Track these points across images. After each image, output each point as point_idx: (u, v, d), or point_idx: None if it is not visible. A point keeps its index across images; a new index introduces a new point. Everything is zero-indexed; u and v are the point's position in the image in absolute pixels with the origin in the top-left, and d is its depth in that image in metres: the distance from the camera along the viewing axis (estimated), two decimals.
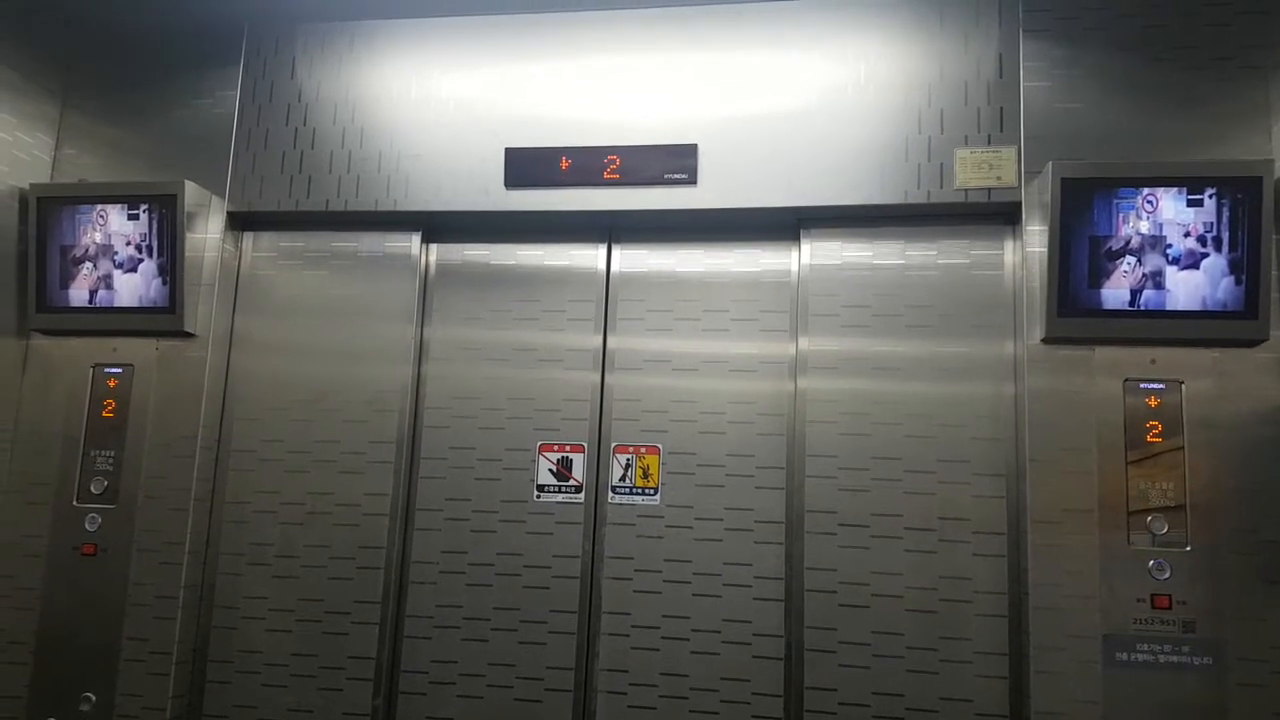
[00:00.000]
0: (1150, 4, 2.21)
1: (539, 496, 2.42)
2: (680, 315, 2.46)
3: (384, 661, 2.38)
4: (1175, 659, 1.98)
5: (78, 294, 2.50)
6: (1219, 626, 1.98)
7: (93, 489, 2.45)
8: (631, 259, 2.52)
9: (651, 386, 2.43)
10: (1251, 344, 2.05)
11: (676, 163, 2.37)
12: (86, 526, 2.43)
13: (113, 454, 2.46)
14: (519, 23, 2.52)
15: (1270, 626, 1.96)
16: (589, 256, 2.53)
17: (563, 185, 2.41)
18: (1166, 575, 2.01)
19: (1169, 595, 2.00)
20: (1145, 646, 2.00)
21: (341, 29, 2.60)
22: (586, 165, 2.40)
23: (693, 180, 2.36)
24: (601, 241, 2.53)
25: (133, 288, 2.47)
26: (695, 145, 2.37)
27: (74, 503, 2.45)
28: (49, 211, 2.50)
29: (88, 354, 2.52)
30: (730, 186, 2.36)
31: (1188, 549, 2.02)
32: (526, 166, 2.43)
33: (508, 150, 2.45)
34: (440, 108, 2.51)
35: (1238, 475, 2.03)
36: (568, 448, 2.43)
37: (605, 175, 2.39)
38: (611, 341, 2.47)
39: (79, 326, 2.51)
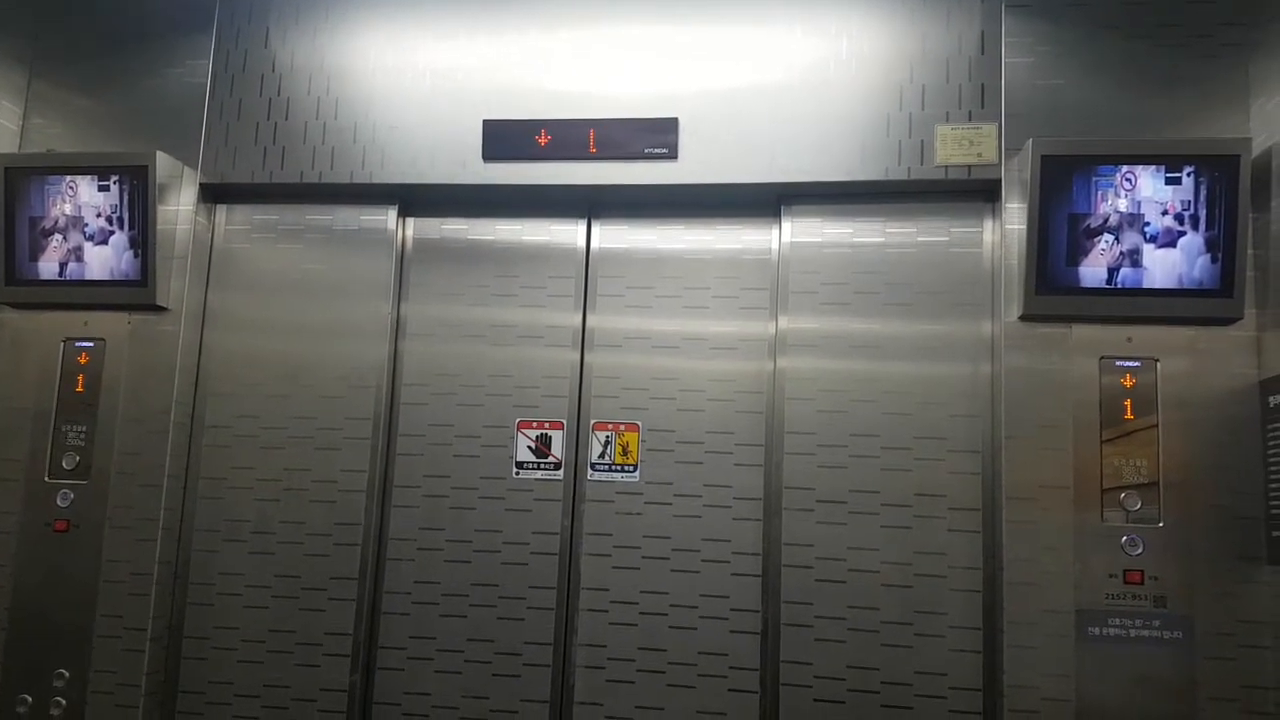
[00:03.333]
0: None
1: (518, 473, 2.41)
2: (660, 293, 2.45)
3: (361, 638, 2.37)
4: (1146, 633, 2.01)
5: (47, 266, 2.45)
6: (1190, 601, 2.00)
7: (64, 465, 2.41)
8: (612, 235, 2.50)
9: (631, 364, 2.42)
10: (1227, 322, 2.07)
11: (657, 137, 2.35)
12: (58, 503, 2.39)
13: (85, 429, 2.42)
14: None
15: (1240, 602, 1.99)
16: (569, 232, 2.51)
17: (542, 159, 2.38)
18: (1139, 551, 2.03)
19: (1141, 571, 2.03)
20: (1117, 621, 2.02)
21: None
22: (566, 138, 2.37)
23: (673, 155, 2.34)
24: (581, 217, 2.51)
25: (103, 260, 2.42)
26: (676, 120, 2.35)
27: (45, 479, 2.42)
28: (17, 182, 2.44)
29: (58, 328, 2.48)
30: (711, 162, 2.34)
31: (1160, 525, 2.04)
32: (505, 139, 2.40)
33: (486, 123, 2.41)
34: (417, 79, 2.47)
35: (1211, 452, 2.05)
36: (547, 425, 2.42)
37: (585, 149, 2.37)
38: (591, 319, 2.46)
39: (49, 300, 2.47)
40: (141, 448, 2.40)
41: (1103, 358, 2.11)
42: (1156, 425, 2.08)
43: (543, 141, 2.38)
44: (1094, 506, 2.07)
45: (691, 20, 2.39)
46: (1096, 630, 2.02)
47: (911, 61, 2.29)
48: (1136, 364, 2.10)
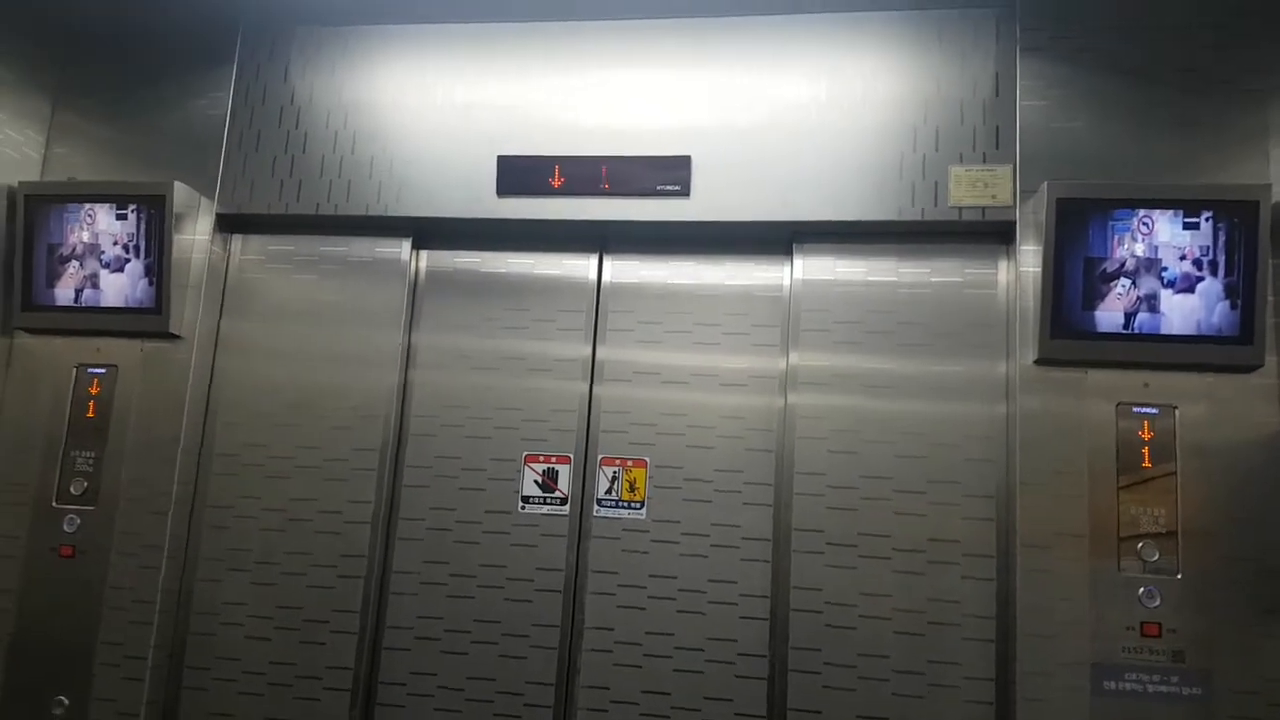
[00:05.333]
0: (1149, 25, 2.19)
1: (523, 508, 2.39)
2: (671, 328, 2.44)
3: (362, 672, 2.35)
4: (1164, 689, 1.95)
5: (63, 293, 2.48)
6: (1209, 656, 1.95)
7: (73, 490, 2.42)
8: (623, 270, 2.50)
9: (640, 398, 2.41)
10: (1247, 370, 2.03)
11: (670, 174, 2.35)
12: (65, 528, 2.40)
13: (94, 455, 2.43)
14: (515, 31, 2.51)
15: (1262, 658, 1.93)
16: (580, 266, 2.51)
17: (555, 194, 2.39)
18: (1157, 603, 1.98)
19: (1159, 623, 1.97)
20: (1134, 675, 1.96)
21: (336, 33, 2.59)
22: (579, 174, 2.38)
23: (685, 192, 2.34)
24: (593, 251, 2.51)
25: (119, 288, 2.45)
26: (689, 157, 2.35)
27: (53, 504, 2.42)
28: (37, 210, 2.48)
29: (72, 354, 2.50)
30: (723, 199, 2.34)
31: (1178, 577, 1.99)
32: (519, 175, 2.41)
33: (500, 158, 2.43)
34: (434, 114, 2.50)
35: (1231, 502, 2.00)
36: (554, 459, 2.41)
37: (598, 185, 2.37)
38: (601, 352, 2.45)
39: (64, 326, 2.49)
40: (149, 474, 2.40)
41: (1119, 404, 2.07)
42: (1175, 473, 2.03)
43: (556, 178, 2.39)
44: (1111, 556, 2.02)
45: (707, 60, 2.41)
46: (1112, 684, 1.97)
47: (926, 103, 2.29)
48: (1154, 410, 2.06)
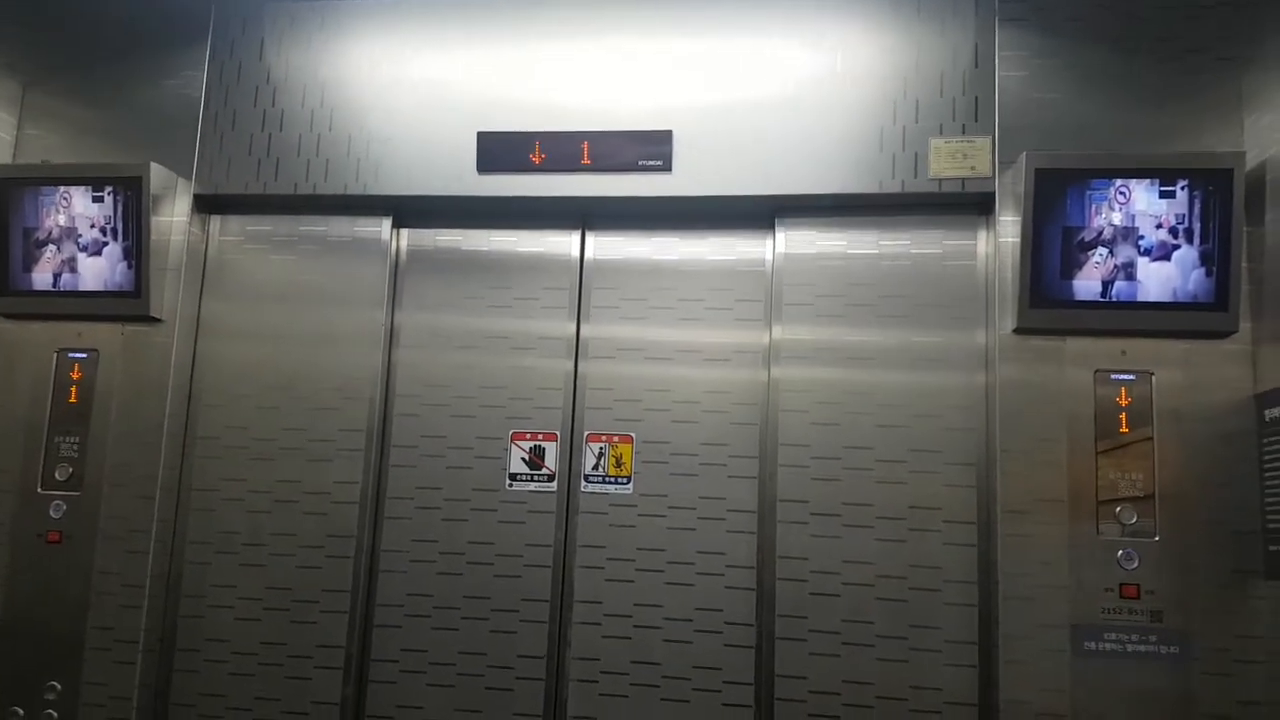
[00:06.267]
0: None
1: (511, 485, 2.40)
2: (655, 303, 2.44)
3: (353, 650, 2.36)
4: (1142, 648, 2.00)
5: (41, 277, 2.45)
6: (1186, 616, 1.99)
7: (57, 476, 2.41)
8: (606, 246, 2.50)
9: (625, 375, 2.42)
10: (1221, 336, 2.06)
11: (651, 149, 2.35)
12: (51, 514, 2.39)
13: (77, 440, 2.41)
14: (493, 4, 2.48)
15: (1236, 616, 1.98)
16: (563, 243, 2.51)
17: (536, 170, 2.38)
18: (1135, 565, 2.02)
19: (1137, 585, 2.02)
20: (1113, 635, 2.01)
21: (311, 8, 2.55)
22: (560, 150, 2.37)
23: (668, 167, 2.34)
24: (576, 228, 2.51)
25: (97, 271, 2.42)
26: (670, 132, 2.35)
27: (38, 490, 2.41)
28: (11, 193, 2.44)
29: (51, 338, 2.47)
30: (705, 174, 2.34)
31: (1156, 539, 2.03)
32: (499, 151, 2.40)
33: (480, 134, 2.41)
34: (412, 90, 2.47)
35: (1206, 466, 2.04)
36: (540, 436, 2.42)
37: (579, 161, 2.36)
38: (585, 329, 2.45)
39: (42, 310, 2.46)
40: (134, 459, 2.39)
41: (1097, 371, 2.11)
42: (1152, 438, 2.07)
43: (537, 154, 2.38)
44: (1089, 520, 2.06)
45: (686, 33, 2.40)
46: (1092, 645, 2.01)
47: (905, 74, 2.30)
48: (1131, 377, 2.10)
